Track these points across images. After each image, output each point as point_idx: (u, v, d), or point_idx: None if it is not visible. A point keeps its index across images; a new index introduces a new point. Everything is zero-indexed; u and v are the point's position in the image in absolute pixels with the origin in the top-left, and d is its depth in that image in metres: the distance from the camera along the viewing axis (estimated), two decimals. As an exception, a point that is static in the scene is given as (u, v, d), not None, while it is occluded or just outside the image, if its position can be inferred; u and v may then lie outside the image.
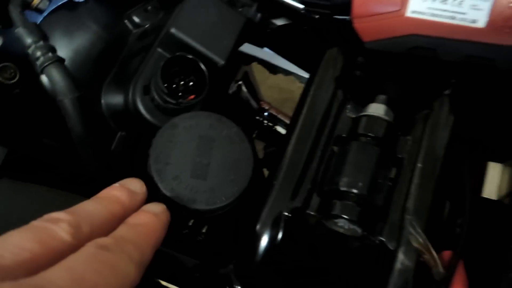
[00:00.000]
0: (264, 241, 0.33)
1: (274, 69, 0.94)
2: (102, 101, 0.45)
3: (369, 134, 0.34)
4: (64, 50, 0.43)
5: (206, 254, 0.35)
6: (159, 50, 0.43)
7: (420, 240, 0.31)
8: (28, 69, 0.40)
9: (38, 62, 0.33)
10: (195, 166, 0.33)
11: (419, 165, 0.34)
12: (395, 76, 0.38)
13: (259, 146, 0.58)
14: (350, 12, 0.37)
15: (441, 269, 0.30)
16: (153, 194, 0.32)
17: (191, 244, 0.35)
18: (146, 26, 0.48)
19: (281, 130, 0.67)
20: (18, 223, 0.20)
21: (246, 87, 0.69)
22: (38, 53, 0.33)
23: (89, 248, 0.20)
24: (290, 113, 0.71)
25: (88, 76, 0.45)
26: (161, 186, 0.31)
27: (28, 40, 0.33)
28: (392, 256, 0.32)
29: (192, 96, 0.41)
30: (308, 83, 0.38)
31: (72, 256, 0.20)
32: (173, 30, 0.40)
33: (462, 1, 0.32)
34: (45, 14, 0.42)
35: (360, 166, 0.33)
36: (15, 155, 0.35)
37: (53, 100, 0.41)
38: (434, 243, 0.31)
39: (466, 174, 0.35)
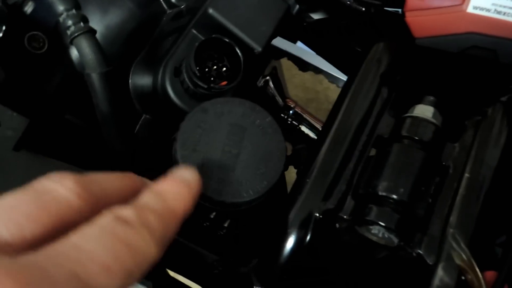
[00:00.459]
0: (291, 241, 0.30)
1: (304, 66, 0.91)
2: (130, 81, 0.43)
3: (415, 137, 0.31)
4: (95, 24, 0.42)
5: (226, 250, 0.33)
6: (194, 31, 0.41)
7: (464, 256, 0.28)
8: (57, 40, 0.39)
9: (69, 32, 0.32)
10: (223, 156, 0.30)
11: (466, 175, 0.31)
12: (446, 77, 0.35)
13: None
14: (404, 4, 0.34)
15: (484, 292, 0.27)
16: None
17: (211, 238, 0.33)
18: (182, 6, 0.46)
19: (306, 129, 0.65)
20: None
21: (273, 83, 0.67)
22: (69, 22, 0.32)
23: (105, 220, 0.17)
24: (314, 113, 0.68)
25: (117, 54, 0.43)
26: None
27: (60, 7, 0.32)
28: (429, 271, 0.29)
29: (224, 82, 0.39)
30: (351, 77, 0.35)
31: (83, 228, 0.16)
32: (210, 11, 0.38)
33: (533, -2, 0.29)
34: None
35: (402, 170, 0.30)
36: (36, 128, 0.33)
37: (80, 75, 0.39)
38: (478, 261, 0.28)
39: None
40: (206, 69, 0.39)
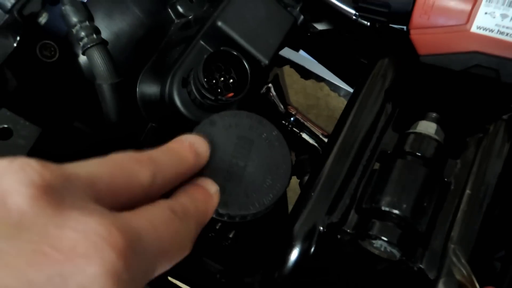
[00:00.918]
0: (295, 253, 0.31)
1: (307, 74, 0.92)
2: (137, 89, 0.44)
3: (417, 153, 0.32)
4: (104, 32, 0.42)
5: (231, 260, 0.33)
6: (202, 42, 0.41)
7: (464, 272, 0.29)
8: (67, 49, 0.40)
9: (82, 43, 0.32)
10: (230, 168, 0.31)
11: (468, 191, 0.32)
12: (449, 94, 0.35)
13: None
14: (409, 22, 0.35)
15: (483, 307, 0.28)
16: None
17: (216, 248, 0.34)
18: (190, 17, 0.47)
19: (306, 137, 0.65)
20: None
21: (275, 90, 0.68)
22: (82, 34, 0.32)
23: (164, 210, 0.20)
24: (315, 120, 0.69)
25: (126, 62, 0.44)
26: None
27: (74, 19, 0.32)
28: (430, 286, 0.30)
29: (231, 94, 0.40)
30: (356, 92, 0.36)
31: (150, 209, 0.20)
32: (219, 23, 0.39)
33: (536, 21, 0.30)
34: (90, -6, 0.41)
35: (405, 186, 0.31)
36: (47, 136, 0.34)
37: (89, 83, 0.40)
38: (478, 276, 0.29)
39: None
40: (214, 81, 0.39)
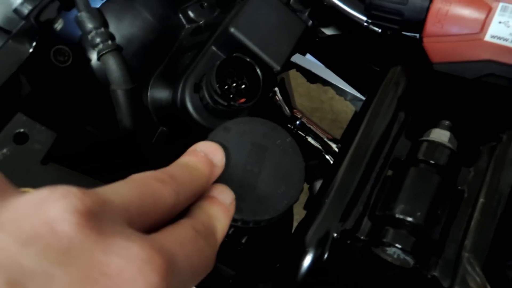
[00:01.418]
0: (309, 260, 0.31)
1: (313, 78, 0.92)
2: (148, 94, 0.44)
3: (431, 161, 0.32)
4: (115, 37, 0.43)
5: (243, 266, 0.33)
6: (214, 48, 0.41)
7: (478, 281, 0.29)
8: (80, 54, 0.40)
9: (97, 49, 0.33)
10: (244, 174, 0.31)
11: (481, 200, 0.32)
12: (462, 103, 0.36)
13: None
14: (422, 30, 0.35)
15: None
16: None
17: (229, 254, 0.34)
18: (201, 22, 0.47)
19: (312, 141, 0.66)
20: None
21: (281, 94, 0.68)
22: (98, 40, 0.33)
23: (189, 229, 0.21)
24: (319, 123, 0.69)
25: (137, 67, 0.44)
26: None
27: (89, 26, 0.32)
28: (444, 294, 0.30)
29: (243, 100, 0.40)
30: (368, 99, 0.36)
31: (176, 229, 0.21)
32: (232, 30, 0.39)
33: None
34: (103, 0, 0.41)
35: (419, 194, 0.31)
36: (61, 140, 0.34)
37: (102, 88, 0.40)
38: (491, 285, 0.29)
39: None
40: (226, 86, 0.40)
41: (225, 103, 0.37)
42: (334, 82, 0.90)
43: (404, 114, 0.35)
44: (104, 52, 0.32)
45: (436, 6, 0.34)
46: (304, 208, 0.50)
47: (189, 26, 0.48)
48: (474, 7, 0.33)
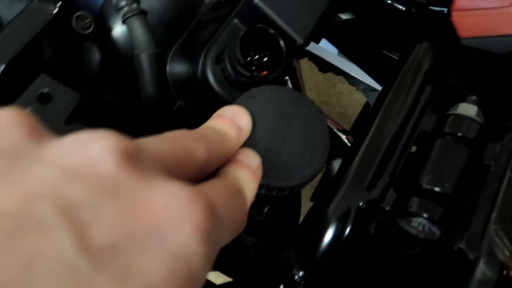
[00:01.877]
0: (333, 229, 0.31)
1: (325, 66, 0.91)
2: (167, 67, 0.44)
3: (458, 133, 0.32)
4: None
5: (266, 234, 0.33)
6: (236, 21, 0.41)
7: (507, 252, 0.28)
8: (102, 23, 0.40)
9: (122, 12, 0.32)
10: (270, 140, 0.31)
11: (509, 173, 0.31)
12: (490, 78, 0.35)
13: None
14: (451, 3, 0.35)
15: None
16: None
17: (250, 223, 0.34)
18: (220, -3, 0.47)
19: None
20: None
21: (292, 83, 0.68)
22: (123, 2, 0.32)
23: (223, 185, 0.21)
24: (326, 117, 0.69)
25: (158, 39, 0.43)
26: None
27: (115, -12, 0.32)
28: (470, 266, 0.29)
29: (265, 72, 0.39)
30: (394, 72, 0.36)
31: (211, 183, 0.21)
32: (256, 1, 0.38)
33: None
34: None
35: (447, 164, 0.30)
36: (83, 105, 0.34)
37: (123, 58, 0.40)
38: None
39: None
40: (248, 58, 0.39)
41: (248, 74, 0.37)
42: (347, 71, 0.89)
43: (431, 88, 0.35)
44: (129, 15, 0.32)
45: (466, -21, 0.34)
46: (311, 199, 0.49)
47: (208, 1, 0.47)
48: (506, -20, 0.33)
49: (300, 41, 0.39)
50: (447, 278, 0.31)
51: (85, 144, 0.16)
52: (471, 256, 0.30)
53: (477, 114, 0.33)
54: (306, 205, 0.39)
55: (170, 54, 0.44)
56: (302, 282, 0.31)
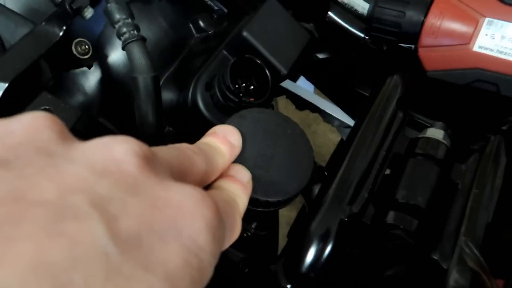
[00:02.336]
0: (316, 243, 0.33)
1: (302, 104, 0.96)
2: (157, 94, 0.46)
3: (429, 153, 0.35)
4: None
5: (252, 249, 0.35)
6: (224, 52, 0.44)
7: (476, 260, 0.31)
8: (99, 49, 0.42)
9: (123, 37, 0.35)
10: (259, 157, 0.33)
11: (474, 190, 0.34)
12: (454, 106, 0.39)
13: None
14: (417, 41, 0.39)
15: (496, 293, 0.30)
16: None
17: (238, 238, 0.35)
18: (210, 32, 0.50)
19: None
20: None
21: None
22: (124, 29, 0.35)
23: (219, 195, 0.23)
24: None
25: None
26: None
27: (117, 16, 0.35)
28: (444, 274, 0.32)
29: (252, 99, 0.42)
30: (370, 99, 0.39)
31: (216, 193, 0.23)
32: (245, 33, 0.42)
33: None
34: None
35: (419, 180, 0.33)
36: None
37: (118, 82, 0.42)
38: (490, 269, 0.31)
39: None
40: (236, 85, 0.42)
41: (236, 99, 0.40)
42: (322, 108, 0.94)
43: (402, 114, 0.39)
44: (130, 40, 0.35)
45: (430, 20, 0.39)
46: (288, 236, 0.49)
47: (198, 35, 0.51)
48: (464, 21, 0.37)
49: (284, 71, 0.43)
50: (424, 285, 0.33)
51: (109, 146, 0.18)
52: (445, 265, 0.32)
53: (444, 138, 0.37)
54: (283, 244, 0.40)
55: (161, 82, 0.47)
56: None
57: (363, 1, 0.43)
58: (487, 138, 0.37)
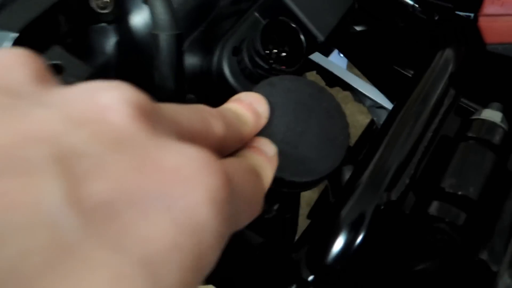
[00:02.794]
0: (348, 231, 0.29)
1: (333, 81, 0.91)
2: (181, 58, 0.42)
3: (484, 138, 0.30)
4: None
5: (274, 233, 0.31)
6: (256, 14, 0.40)
7: (532, 266, 0.27)
8: (121, 4, 0.39)
9: (144, -11, 0.31)
10: (288, 132, 0.29)
11: (535, 184, 0.30)
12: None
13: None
14: (478, 9, 0.34)
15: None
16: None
17: (258, 221, 0.32)
18: (241, -8, 0.46)
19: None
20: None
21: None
22: (146, -19, 0.31)
23: (241, 163, 0.20)
24: None
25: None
26: None
27: (139, -35, 0.31)
28: (492, 278, 0.27)
29: (283, 67, 0.38)
30: (420, 71, 0.35)
31: (229, 159, 0.20)
32: (280, -6, 0.38)
33: None
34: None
35: (471, 168, 0.29)
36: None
37: (139, 43, 0.39)
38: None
39: None
40: (267, 51, 0.38)
41: (266, 66, 0.36)
42: (355, 86, 0.88)
43: (455, 91, 0.34)
44: (151, -7, 0.31)
45: (496, -16, 0.33)
46: (308, 217, 0.46)
47: (229, -5, 0.46)
48: (538, -14, 0.32)
49: (321, 38, 0.38)
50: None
51: (96, 92, 0.14)
52: (494, 268, 0.28)
53: (502, 121, 0.32)
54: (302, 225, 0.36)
55: (186, 46, 0.43)
56: (311, 287, 0.30)
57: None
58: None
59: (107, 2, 0.36)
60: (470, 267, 0.29)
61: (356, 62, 0.72)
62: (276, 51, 0.39)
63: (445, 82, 0.34)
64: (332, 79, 0.91)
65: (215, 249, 0.14)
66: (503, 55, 0.34)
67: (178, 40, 0.32)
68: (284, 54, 0.39)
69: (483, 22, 0.34)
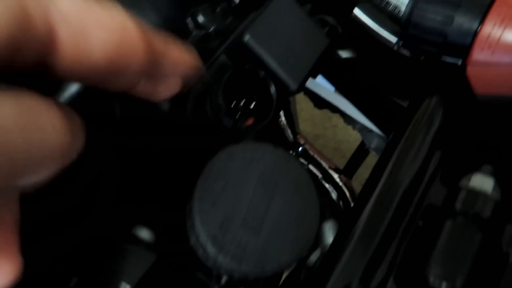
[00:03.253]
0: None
1: (322, 103, 0.87)
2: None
3: (474, 212, 0.27)
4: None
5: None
6: (224, 57, 0.36)
7: None
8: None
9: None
10: (248, 214, 0.26)
11: (531, 267, 0.26)
12: (509, 142, 0.30)
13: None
14: (466, 56, 0.30)
15: None
16: (187, 240, 0.25)
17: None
18: (210, 29, 0.42)
19: (313, 169, 0.61)
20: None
21: (286, 117, 0.64)
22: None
23: None
24: (320, 150, 0.65)
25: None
26: (202, 233, 0.24)
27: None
28: None
29: (251, 120, 0.34)
30: (397, 134, 0.31)
31: None
32: (247, 38, 0.34)
33: None
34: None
35: (459, 252, 0.25)
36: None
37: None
38: None
39: None
40: (234, 102, 0.34)
41: (232, 122, 0.32)
42: (343, 109, 0.84)
43: (440, 153, 0.30)
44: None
45: (486, 30, 0.29)
46: (281, 286, 0.41)
47: (196, 32, 0.42)
48: (534, 34, 0.28)
49: (294, 86, 0.34)
50: None
51: None
52: None
53: (494, 189, 0.28)
54: None
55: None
56: None
57: (400, -3, 0.34)
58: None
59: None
60: None
61: (341, 89, 0.68)
62: (244, 101, 0.35)
63: (430, 142, 0.30)
64: (321, 101, 0.87)
65: None
66: (494, 106, 0.30)
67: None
68: (253, 104, 0.35)
69: (472, 70, 0.30)
